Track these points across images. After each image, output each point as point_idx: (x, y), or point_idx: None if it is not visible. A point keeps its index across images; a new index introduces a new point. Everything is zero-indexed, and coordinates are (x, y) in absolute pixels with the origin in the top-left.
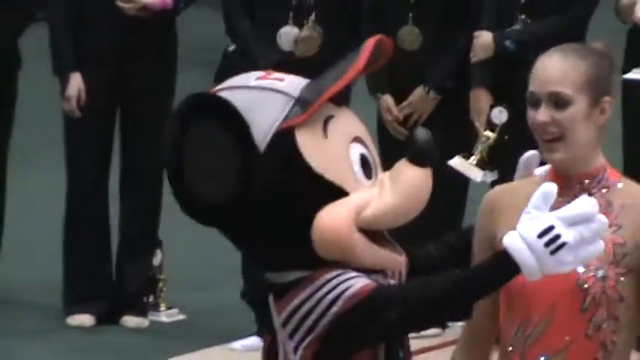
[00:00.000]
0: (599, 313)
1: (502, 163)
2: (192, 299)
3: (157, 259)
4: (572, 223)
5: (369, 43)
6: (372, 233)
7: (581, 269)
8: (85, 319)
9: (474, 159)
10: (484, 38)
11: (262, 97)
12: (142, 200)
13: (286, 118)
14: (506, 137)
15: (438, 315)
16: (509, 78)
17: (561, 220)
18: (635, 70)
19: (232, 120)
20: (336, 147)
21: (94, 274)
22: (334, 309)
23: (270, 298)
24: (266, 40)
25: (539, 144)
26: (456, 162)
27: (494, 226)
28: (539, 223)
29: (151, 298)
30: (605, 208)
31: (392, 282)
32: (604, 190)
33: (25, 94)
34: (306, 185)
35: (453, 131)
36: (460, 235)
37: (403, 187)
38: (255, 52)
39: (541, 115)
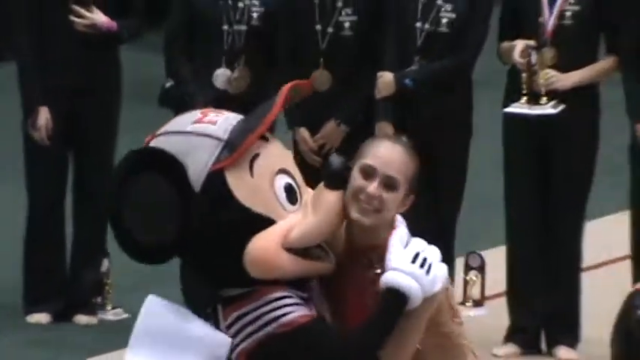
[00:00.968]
0: None
1: None
2: (134, 300)
3: (104, 266)
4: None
5: (285, 89)
6: (303, 248)
7: None
8: (42, 317)
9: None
10: (386, 77)
11: (196, 142)
12: (92, 216)
13: (217, 160)
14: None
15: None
16: (407, 111)
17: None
18: (513, 105)
19: (170, 165)
20: (262, 182)
21: (50, 278)
22: (268, 328)
23: (219, 307)
24: (204, 80)
25: (351, 204)
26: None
27: None
28: (406, 254)
29: (100, 299)
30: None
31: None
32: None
33: None
34: (237, 218)
35: None
36: None
37: (322, 210)
38: (194, 91)
39: (373, 189)
